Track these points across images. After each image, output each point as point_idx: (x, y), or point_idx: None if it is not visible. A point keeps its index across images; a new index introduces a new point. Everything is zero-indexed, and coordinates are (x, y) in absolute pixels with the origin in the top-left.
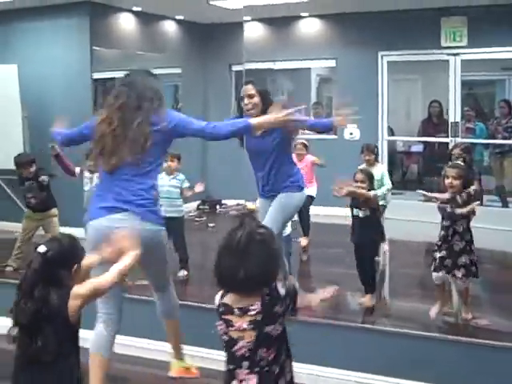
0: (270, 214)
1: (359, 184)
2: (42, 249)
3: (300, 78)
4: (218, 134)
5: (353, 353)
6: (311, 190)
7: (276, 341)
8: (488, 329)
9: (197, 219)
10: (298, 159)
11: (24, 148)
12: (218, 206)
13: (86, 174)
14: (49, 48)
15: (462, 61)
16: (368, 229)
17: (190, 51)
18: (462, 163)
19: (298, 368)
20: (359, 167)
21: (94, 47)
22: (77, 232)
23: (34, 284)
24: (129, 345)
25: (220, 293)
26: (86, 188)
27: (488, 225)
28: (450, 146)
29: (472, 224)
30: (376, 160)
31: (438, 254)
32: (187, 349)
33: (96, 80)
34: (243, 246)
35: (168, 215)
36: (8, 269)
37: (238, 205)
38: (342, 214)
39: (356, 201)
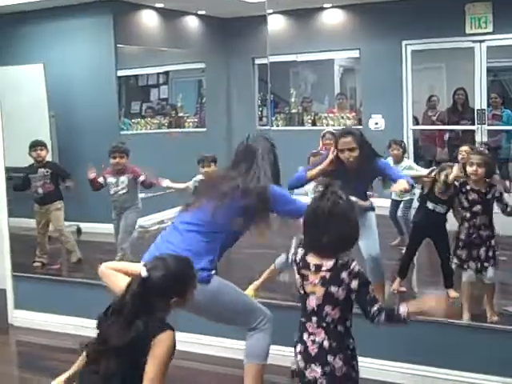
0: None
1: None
2: (143, 272)
3: (323, 70)
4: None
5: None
6: None
7: (340, 304)
8: None
9: None
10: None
11: (52, 146)
12: None
13: (110, 179)
14: (74, 47)
15: (487, 47)
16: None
17: (213, 46)
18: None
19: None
20: None
21: (118, 45)
22: (104, 227)
23: (129, 308)
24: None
25: (302, 251)
26: (112, 192)
27: None
28: (476, 134)
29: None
30: (404, 156)
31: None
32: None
33: (121, 78)
34: (327, 215)
35: None
36: (36, 264)
37: None
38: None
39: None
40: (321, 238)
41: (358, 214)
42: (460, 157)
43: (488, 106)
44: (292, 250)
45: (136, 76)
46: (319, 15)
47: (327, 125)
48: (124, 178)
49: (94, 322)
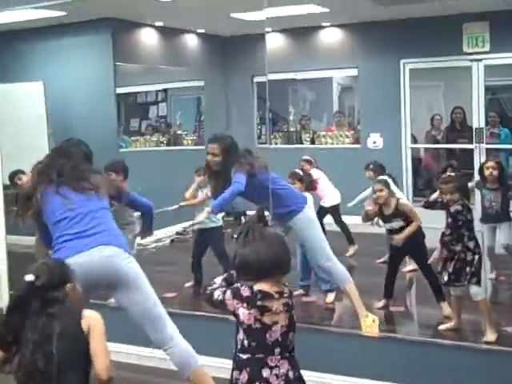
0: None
1: (378, 194)
2: (29, 277)
3: (321, 88)
4: None
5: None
6: (330, 199)
7: (294, 325)
8: None
9: (222, 231)
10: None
11: None
12: (242, 218)
13: None
14: (73, 65)
15: (485, 66)
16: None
17: (212, 64)
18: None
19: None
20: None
21: (117, 63)
22: None
23: (30, 313)
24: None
25: (243, 285)
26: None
27: None
28: (475, 153)
29: None
30: (380, 174)
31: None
32: (214, 360)
33: (119, 95)
34: (257, 237)
35: (203, 226)
36: None
37: None
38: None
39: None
40: (256, 259)
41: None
42: (487, 173)
43: (486, 125)
44: (219, 292)
45: (135, 93)
46: (318, 34)
47: (326, 143)
48: None
49: None
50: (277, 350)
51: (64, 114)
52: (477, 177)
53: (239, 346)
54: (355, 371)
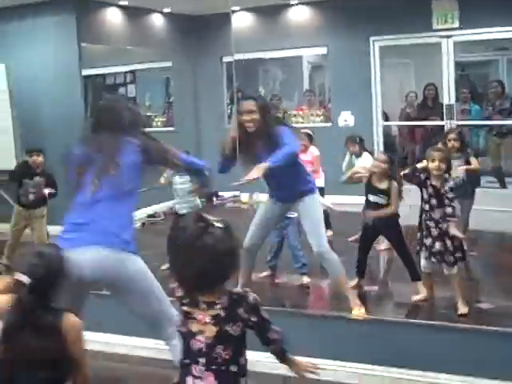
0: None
1: (381, 165)
2: (25, 279)
3: (292, 67)
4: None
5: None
6: (319, 181)
7: (235, 341)
8: (492, 313)
9: None
10: (302, 150)
11: (15, 147)
12: (214, 198)
13: None
14: (37, 46)
15: (454, 42)
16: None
17: (179, 44)
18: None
19: None
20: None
21: (82, 43)
22: None
23: (31, 313)
24: (131, 345)
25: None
26: None
27: (486, 206)
28: (446, 129)
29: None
30: (363, 150)
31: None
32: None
33: (88, 77)
34: (193, 244)
35: (182, 212)
36: None
37: (234, 196)
38: (349, 202)
39: (374, 189)
40: (182, 271)
41: (235, 245)
42: (450, 145)
43: (457, 101)
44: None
45: (103, 75)
46: (286, 12)
47: (297, 122)
48: None
49: None
50: (201, 361)
51: (29, 96)
52: None
53: None
54: (332, 354)
